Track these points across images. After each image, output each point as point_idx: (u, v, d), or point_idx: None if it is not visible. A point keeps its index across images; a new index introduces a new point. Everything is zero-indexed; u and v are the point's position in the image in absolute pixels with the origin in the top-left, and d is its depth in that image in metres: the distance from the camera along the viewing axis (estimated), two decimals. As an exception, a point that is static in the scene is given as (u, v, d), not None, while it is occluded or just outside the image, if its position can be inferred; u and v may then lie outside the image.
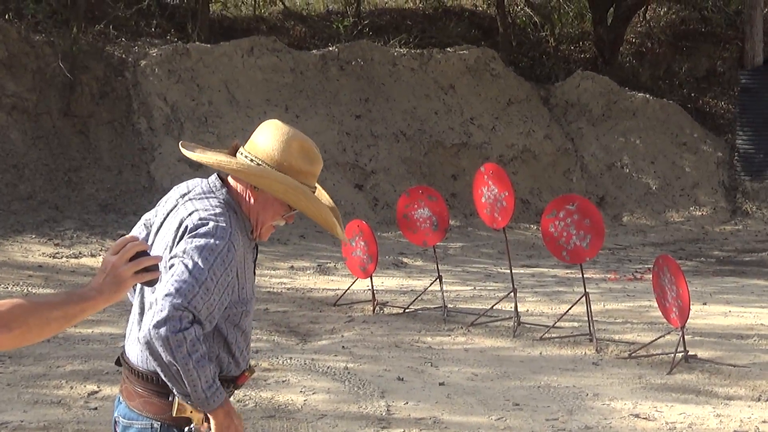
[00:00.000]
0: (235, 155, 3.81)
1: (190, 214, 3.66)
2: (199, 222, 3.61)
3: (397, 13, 24.04)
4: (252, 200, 3.77)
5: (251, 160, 3.74)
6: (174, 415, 3.62)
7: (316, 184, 3.89)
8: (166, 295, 3.44)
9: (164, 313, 3.43)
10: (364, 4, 24.10)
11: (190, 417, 3.61)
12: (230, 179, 3.81)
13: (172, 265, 3.53)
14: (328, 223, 3.89)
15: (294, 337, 10.40)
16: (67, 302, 2.94)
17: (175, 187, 3.91)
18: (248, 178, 3.73)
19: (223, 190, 3.77)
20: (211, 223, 3.61)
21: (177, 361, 3.44)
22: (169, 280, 3.48)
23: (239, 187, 3.78)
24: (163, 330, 3.42)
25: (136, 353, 3.72)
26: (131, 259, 3.10)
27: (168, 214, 3.77)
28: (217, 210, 3.67)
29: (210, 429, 3.60)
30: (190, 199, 3.74)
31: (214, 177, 3.83)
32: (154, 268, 3.15)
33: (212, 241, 3.57)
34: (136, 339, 3.70)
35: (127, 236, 3.18)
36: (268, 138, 3.77)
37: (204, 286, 3.50)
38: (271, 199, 3.77)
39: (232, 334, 3.72)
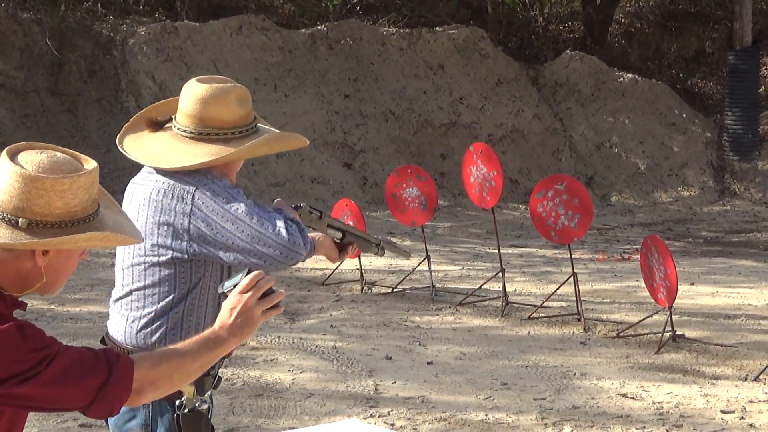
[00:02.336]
0: (160, 127, 3.81)
1: (164, 185, 3.71)
2: (189, 187, 3.65)
3: (386, -8, 23.96)
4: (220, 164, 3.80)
5: (208, 134, 3.73)
6: None
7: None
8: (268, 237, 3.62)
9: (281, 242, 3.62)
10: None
11: (180, 390, 3.62)
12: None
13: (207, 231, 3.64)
14: (291, 145, 4.02)
15: (282, 316, 10.40)
16: (204, 351, 2.96)
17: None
18: (251, 154, 3.82)
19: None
20: (197, 178, 3.67)
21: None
22: (246, 234, 3.61)
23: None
24: (295, 241, 3.66)
25: (120, 331, 3.73)
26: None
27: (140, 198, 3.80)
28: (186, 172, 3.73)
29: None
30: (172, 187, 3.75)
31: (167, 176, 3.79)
32: (279, 304, 3.11)
33: (218, 186, 3.67)
34: (120, 316, 3.72)
35: (256, 272, 3.10)
36: (205, 104, 3.74)
37: (257, 204, 3.67)
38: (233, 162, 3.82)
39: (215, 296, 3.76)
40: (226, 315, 3.02)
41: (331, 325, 10.08)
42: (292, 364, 8.66)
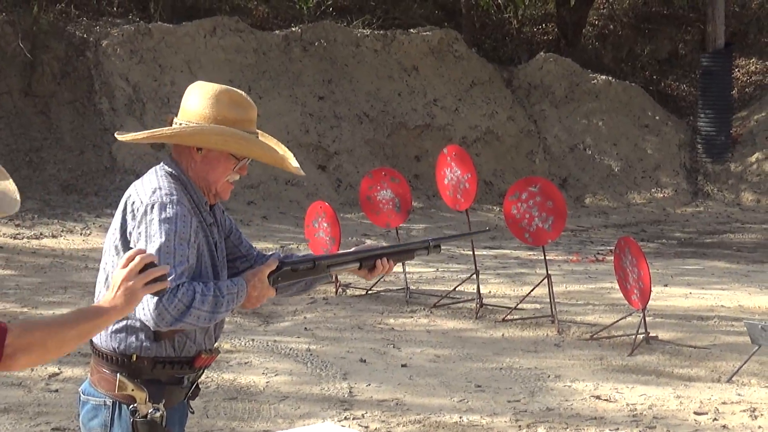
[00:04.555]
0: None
1: (132, 194, 3.67)
2: (145, 199, 3.61)
3: (360, -6, 23.94)
4: (197, 162, 3.73)
5: (189, 124, 3.72)
6: (116, 392, 3.62)
7: (258, 130, 3.86)
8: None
9: (151, 305, 3.48)
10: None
11: (132, 395, 3.61)
12: (173, 152, 3.78)
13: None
14: (276, 160, 3.88)
15: (256, 319, 10.39)
16: (81, 320, 3.06)
17: None
18: (183, 139, 3.71)
19: (169, 161, 3.76)
20: (156, 195, 3.62)
21: (194, 315, 3.53)
22: None
23: (183, 156, 3.74)
24: (162, 314, 3.49)
25: None
26: (141, 271, 3.16)
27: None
28: (160, 182, 3.68)
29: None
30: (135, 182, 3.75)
31: (163, 161, 3.81)
32: (163, 278, 3.21)
33: (165, 211, 3.58)
34: None
35: (134, 249, 3.24)
36: (196, 99, 3.74)
37: (177, 253, 3.54)
38: (217, 156, 3.73)
39: None
40: (110, 290, 3.14)
41: (306, 328, 10.08)
42: (266, 366, 8.65)
